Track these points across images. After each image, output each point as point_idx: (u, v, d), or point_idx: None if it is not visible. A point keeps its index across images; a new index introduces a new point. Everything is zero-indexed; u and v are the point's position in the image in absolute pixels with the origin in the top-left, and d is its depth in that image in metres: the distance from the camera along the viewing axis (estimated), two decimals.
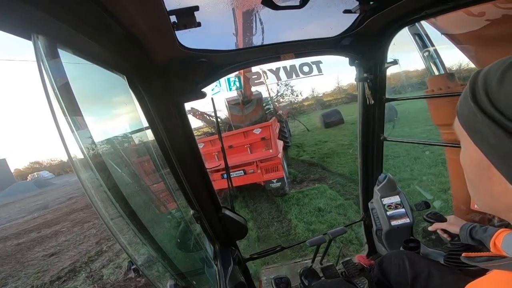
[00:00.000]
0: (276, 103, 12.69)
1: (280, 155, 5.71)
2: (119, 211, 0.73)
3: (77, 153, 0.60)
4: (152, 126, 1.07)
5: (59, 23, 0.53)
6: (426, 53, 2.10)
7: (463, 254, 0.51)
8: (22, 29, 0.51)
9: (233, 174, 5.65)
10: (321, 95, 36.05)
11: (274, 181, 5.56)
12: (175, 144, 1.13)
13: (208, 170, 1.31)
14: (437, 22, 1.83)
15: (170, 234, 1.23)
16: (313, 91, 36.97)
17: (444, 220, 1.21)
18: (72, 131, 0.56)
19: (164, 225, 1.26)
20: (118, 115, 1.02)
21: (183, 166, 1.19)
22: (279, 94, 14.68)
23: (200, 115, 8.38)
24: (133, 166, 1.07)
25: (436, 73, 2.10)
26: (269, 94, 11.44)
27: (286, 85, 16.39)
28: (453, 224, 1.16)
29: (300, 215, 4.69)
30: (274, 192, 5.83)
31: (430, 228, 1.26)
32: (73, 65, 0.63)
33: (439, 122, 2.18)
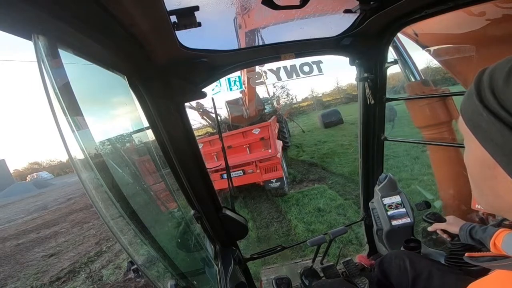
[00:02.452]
0: (276, 104, 12.66)
1: (279, 155, 5.70)
2: (119, 211, 0.73)
3: (78, 153, 0.59)
4: (153, 126, 1.07)
5: (59, 23, 0.53)
6: (401, 60, 2.14)
7: (466, 254, 0.51)
8: (22, 29, 0.51)
9: (232, 174, 5.60)
10: (320, 95, 35.94)
11: (273, 181, 5.55)
12: (176, 144, 1.13)
13: (208, 170, 1.31)
14: (419, 38, 1.85)
15: (170, 234, 1.23)
16: (312, 91, 36.91)
17: (443, 221, 1.21)
18: (73, 131, 0.56)
19: (165, 225, 1.26)
20: (118, 115, 1.01)
21: (183, 166, 1.19)
22: (274, 96, 14.70)
23: (203, 113, 8.34)
24: (133, 166, 1.07)
25: (412, 79, 2.15)
26: (268, 94, 11.46)
27: (282, 87, 16.56)
28: (452, 224, 1.16)
29: (299, 215, 4.69)
30: (273, 192, 5.82)
31: (429, 229, 1.26)
32: (73, 65, 0.63)
33: (419, 124, 2.24)
